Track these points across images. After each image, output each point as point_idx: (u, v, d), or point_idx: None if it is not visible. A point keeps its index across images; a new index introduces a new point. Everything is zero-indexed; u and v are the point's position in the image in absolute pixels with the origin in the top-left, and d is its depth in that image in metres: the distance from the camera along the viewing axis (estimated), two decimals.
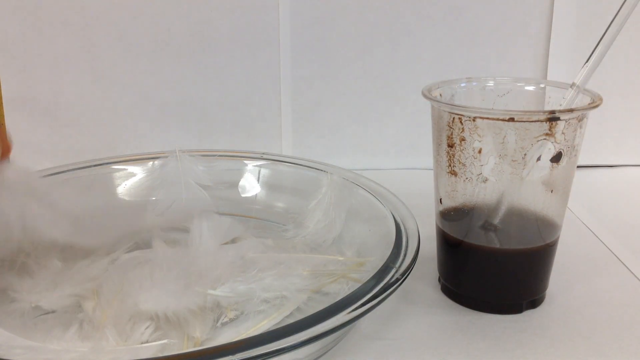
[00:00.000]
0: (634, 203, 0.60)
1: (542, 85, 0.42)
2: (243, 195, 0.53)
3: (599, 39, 0.36)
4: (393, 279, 0.34)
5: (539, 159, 0.36)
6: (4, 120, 0.42)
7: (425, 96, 0.39)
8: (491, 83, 0.43)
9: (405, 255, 0.37)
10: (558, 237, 0.40)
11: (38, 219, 0.38)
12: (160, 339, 0.34)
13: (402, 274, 0.34)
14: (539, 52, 0.66)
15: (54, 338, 0.34)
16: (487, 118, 0.35)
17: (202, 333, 0.35)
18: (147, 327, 0.34)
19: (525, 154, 0.36)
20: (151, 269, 0.35)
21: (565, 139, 0.36)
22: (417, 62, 0.66)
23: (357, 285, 0.33)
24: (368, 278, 0.34)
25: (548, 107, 0.41)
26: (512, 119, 0.35)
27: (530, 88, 0.42)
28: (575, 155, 0.38)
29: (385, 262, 0.36)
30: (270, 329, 0.30)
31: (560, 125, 0.35)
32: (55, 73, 0.66)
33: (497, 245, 0.39)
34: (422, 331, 0.38)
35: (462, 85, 0.42)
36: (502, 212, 0.38)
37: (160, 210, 0.48)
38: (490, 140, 0.36)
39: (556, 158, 0.36)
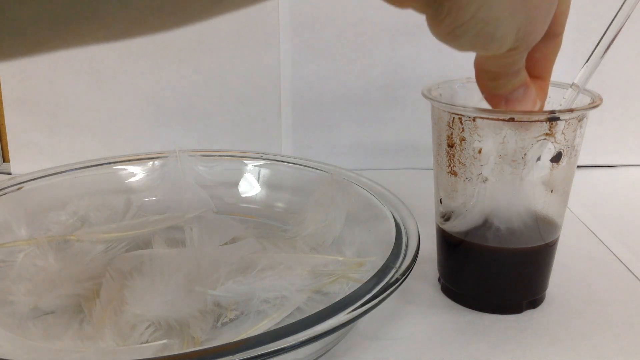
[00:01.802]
0: (634, 203, 0.60)
1: None
2: (243, 195, 0.53)
3: (598, 39, 0.36)
4: (393, 279, 0.34)
5: (539, 159, 0.36)
6: None
7: (425, 96, 0.39)
8: None
9: (405, 255, 0.37)
10: (558, 237, 0.40)
11: None
12: (160, 339, 0.34)
13: (402, 274, 0.34)
14: None
15: (54, 338, 0.34)
16: (487, 118, 0.35)
17: (202, 333, 0.35)
18: (147, 327, 0.34)
19: (525, 154, 0.36)
20: (152, 276, 0.35)
21: (565, 139, 0.36)
22: (417, 62, 0.66)
23: (357, 285, 0.33)
24: (368, 278, 0.34)
25: (548, 107, 0.41)
26: (512, 119, 0.35)
27: None
28: (575, 155, 0.38)
29: (385, 262, 0.36)
30: (270, 329, 0.30)
31: (560, 125, 0.35)
32: (55, 73, 0.66)
33: (497, 245, 0.39)
34: (422, 331, 0.38)
35: (462, 85, 0.42)
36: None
37: (160, 210, 0.48)
38: (490, 140, 0.36)
39: (556, 158, 0.36)
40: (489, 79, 0.32)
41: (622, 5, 0.35)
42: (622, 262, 0.47)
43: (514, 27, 0.29)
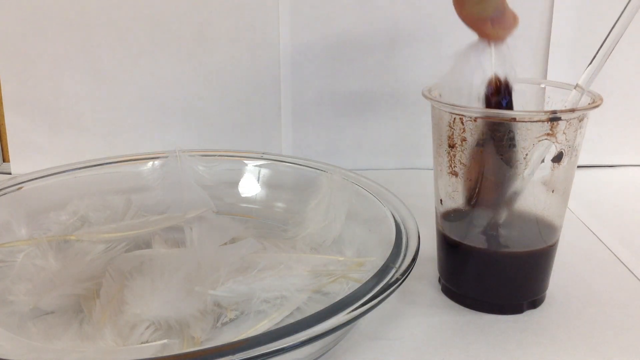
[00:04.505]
0: (634, 203, 0.60)
1: (542, 86, 0.42)
2: (243, 195, 0.53)
3: (599, 39, 0.36)
4: (393, 279, 0.34)
5: (543, 160, 0.36)
6: None
7: (425, 96, 0.39)
8: None
9: (405, 255, 0.37)
10: (558, 238, 0.40)
11: None
12: (160, 339, 0.34)
13: (402, 274, 0.34)
14: (539, 52, 0.66)
15: (54, 338, 0.34)
16: (489, 118, 0.35)
17: (202, 333, 0.35)
18: (147, 327, 0.34)
19: (526, 154, 0.36)
20: (152, 276, 0.35)
21: (566, 139, 0.36)
22: (417, 62, 0.66)
23: (357, 285, 0.33)
24: (368, 278, 0.34)
25: (548, 107, 0.41)
26: (513, 119, 0.35)
27: (530, 88, 0.42)
28: (576, 155, 0.37)
29: (385, 262, 0.35)
30: (270, 329, 0.30)
31: (562, 125, 0.35)
32: (55, 73, 0.66)
33: (498, 246, 0.39)
34: (422, 331, 0.38)
35: None
36: (506, 212, 0.38)
37: (160, 210, 0.48)
38: (492, 140, 0.36)
39: (557, 158, 0.36)
40: (475, 3, 0.34)
41: (626, 6, 0.35)
42: (622, 262, 0.47)
43: None
